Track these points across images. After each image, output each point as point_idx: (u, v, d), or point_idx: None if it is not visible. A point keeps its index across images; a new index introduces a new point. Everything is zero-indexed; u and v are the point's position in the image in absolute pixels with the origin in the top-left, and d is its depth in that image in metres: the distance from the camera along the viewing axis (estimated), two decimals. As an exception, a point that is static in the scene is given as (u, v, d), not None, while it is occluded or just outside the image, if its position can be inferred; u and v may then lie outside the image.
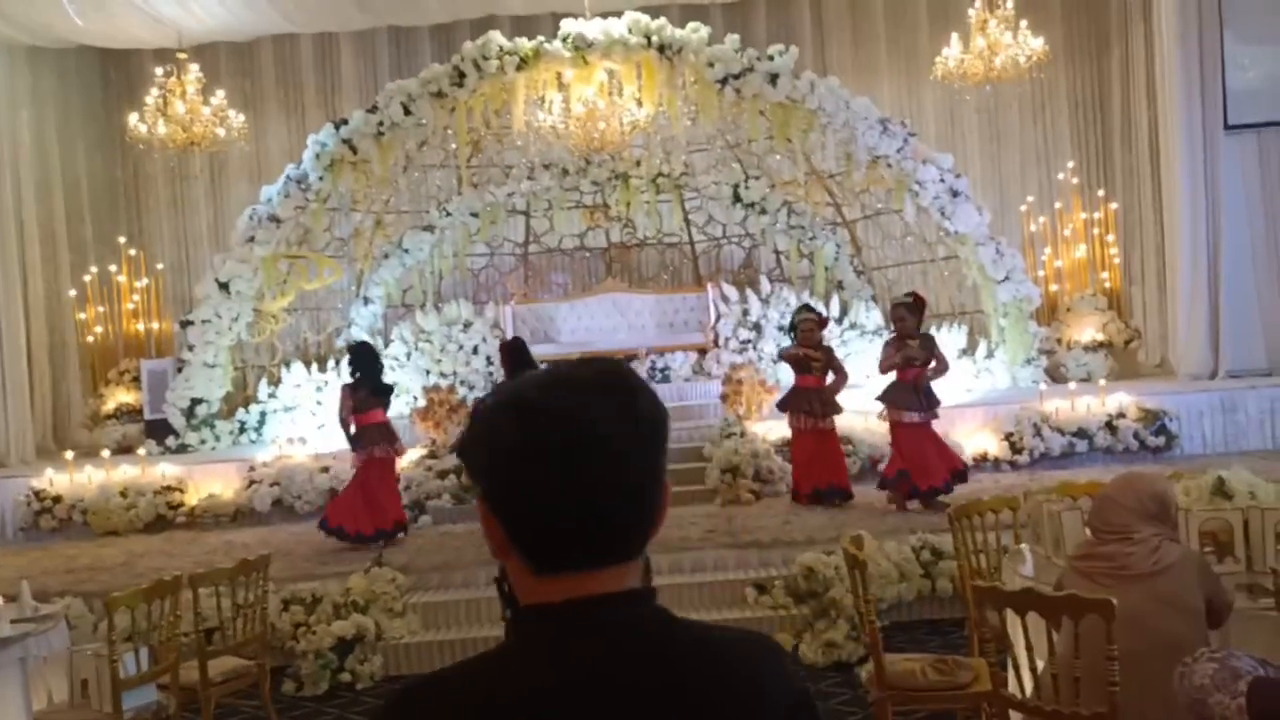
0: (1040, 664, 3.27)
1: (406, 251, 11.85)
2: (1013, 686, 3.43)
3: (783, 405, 7.84)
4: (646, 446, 1.12)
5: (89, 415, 11.40)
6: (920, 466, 7.18)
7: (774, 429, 8.84)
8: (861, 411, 8.82)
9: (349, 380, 7.51)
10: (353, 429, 7.36)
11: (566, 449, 1.07)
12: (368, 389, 7.43)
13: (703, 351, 10.85)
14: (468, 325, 11.09)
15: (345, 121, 10.46)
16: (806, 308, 8.09)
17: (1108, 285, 11.62)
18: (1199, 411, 9.04)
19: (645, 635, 1.11)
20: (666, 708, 1.08)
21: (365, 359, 7.58)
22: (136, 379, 11.15)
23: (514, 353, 7.55)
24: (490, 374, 10.92)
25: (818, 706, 1.22)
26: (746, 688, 1.13)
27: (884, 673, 3.81)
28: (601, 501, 1.09)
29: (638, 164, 11.76)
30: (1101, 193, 12.05)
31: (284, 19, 12.23)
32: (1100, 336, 10.97)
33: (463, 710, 1.08)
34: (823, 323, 7.86)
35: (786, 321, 10.59)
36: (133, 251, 12.27)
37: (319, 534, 7.45)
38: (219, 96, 11.05)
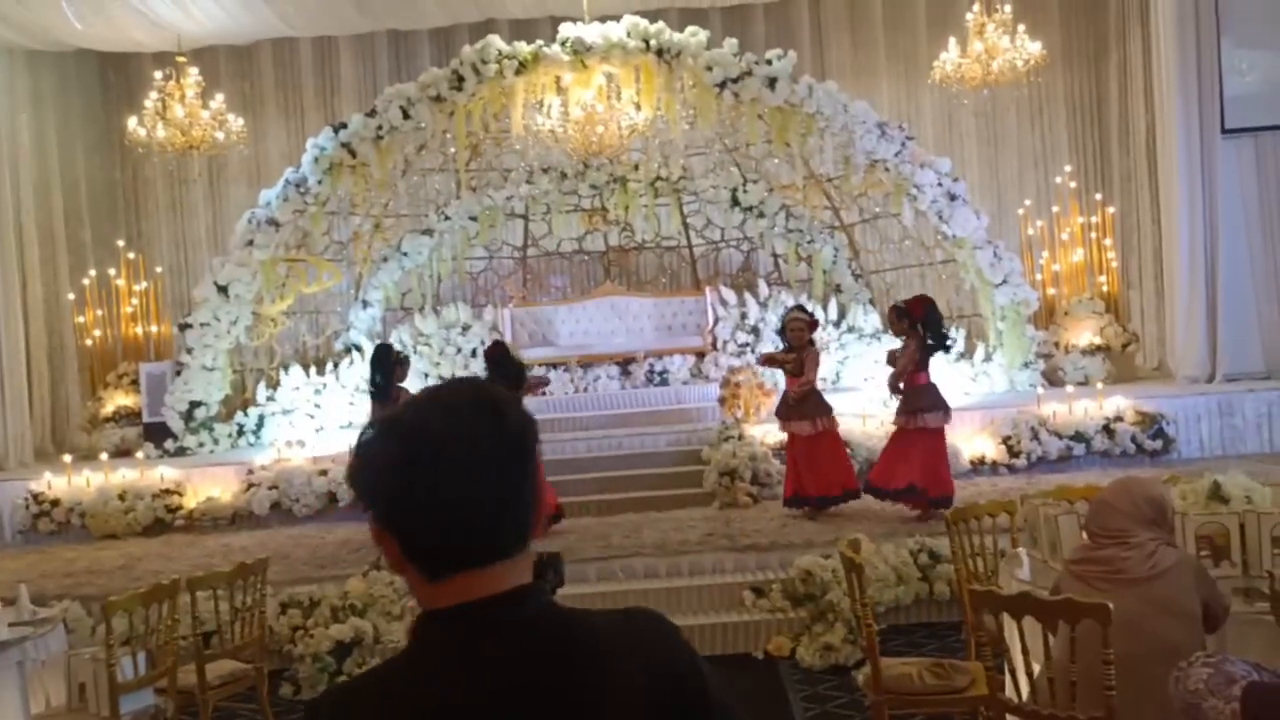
0: (1037, 668, 3.28)
1: (405, 255, 11.87)
2: (1010, 691, 3.44)
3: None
4: (513, 453, 1.22)
5: (87, 418, 11.40)
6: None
7: (772, 432, 8.84)
8: (860, 414, 8.85)
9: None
10: None
11: (439, 461, 1.19)
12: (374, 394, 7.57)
13: (701, 355, 10.86)
14: (466, 328, 11.11)
15: (344, 125, 10.47)
16: (798, 308, 7.98)
17: (1105, 289, 11.63)
18: (1196, 415, 9.05)
19: (542, 632, 1.21)
20: (570, 702, 1.17)
21: (370, 363, 7.70)
22: (135, 382, 11.15)
23: (494, 358, 7.62)
24: (488, 377, 10.94)
25: (710, 672, 1.28)
26: (648, 671, 1.21)
27: (880, 676, 3.82)
28: (475, 505, 1.19)
29: (636, 167, 11.78)
30: (1099, 196, 12.07)
31: (283, 22, 12.24)
32: (1098, 340, 10.98)
33: (374, 717, 1.17)
34: (812, 324, 7.68)
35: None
36: (131, 254, 12.27)
37: (317, 537, 7.45)
38: (218, 100, 11.07)
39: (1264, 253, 10.47)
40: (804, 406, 7.35)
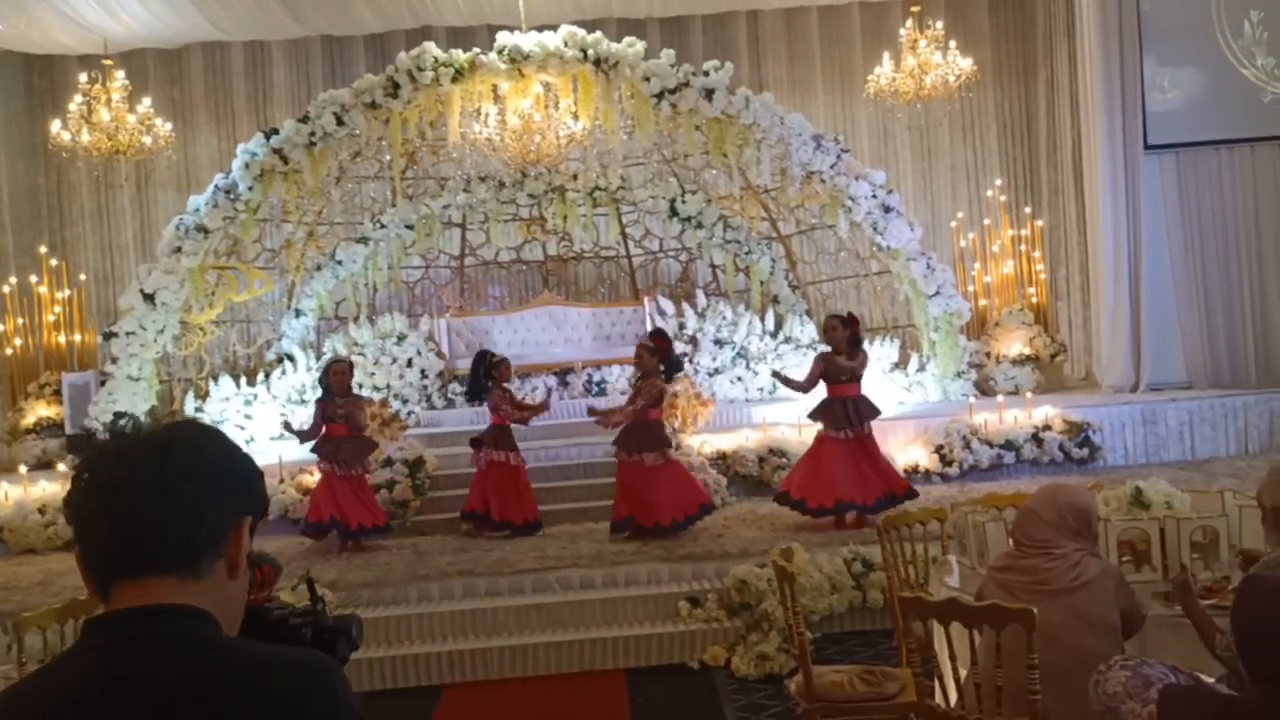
0: (964, 674, 3.30)
1: (339, 263, 11.70)
2: (938, 697, 3.47)
3: None
4: (173, 486, 1.29)
5: (7, 430, 11.05)
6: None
7: (710, 442, 8.88)
8: (796, 425, 8.91)
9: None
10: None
11: (99, 485, 1.30)
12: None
13: (639, 365, 10.85)
14: (402, 338, 10.97)
15: (276, 131, 10.29)
16: (657, 334, 7.89)
17: (1035, 300, 11.88)
18: (1121, 424, 9.26)
19: (152, 640, 1.24)
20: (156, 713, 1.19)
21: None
22: (57, 392, 10.84)
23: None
24: (424, 387, 10.82)
25: None
26: (234, 704, 1.20)
27: (812, 684, 3.83)
28: (120, 521, 1.28)
29: (574, 177, 11.76)
30: (1028, 210, 12.34)
31: (213, 26, 12.03)
32: (1027, 350, 11.21)
33: (14, 711, 1.25)
34: (658, 347, 7.35)
35: (724, 335, 10.70)
36: (54, 261, 11.94)
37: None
38: (145, 104, 10.83)
39: (1185, 266, 10.77)
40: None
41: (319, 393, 7.93)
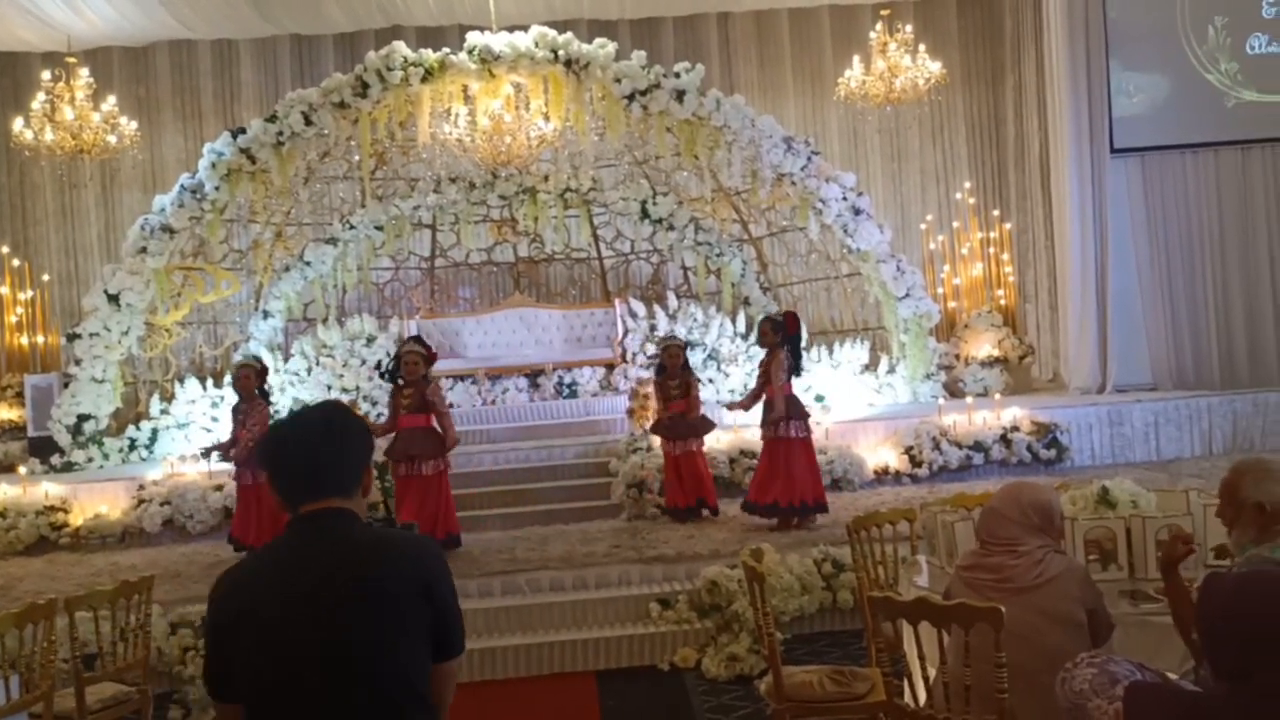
0: (933, 673, 3.30)
1: (308, 264, 11.60)
2: (908, 696, 3.47)
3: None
4: (332, 442, 2.12)
5: (-33, 433, 10.88)
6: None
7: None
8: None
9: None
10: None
11: (286, 441, 2.13)
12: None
13: (610, 366, 10.84)
14: (371, 340, 10.89)
15: (243, 130, 10.19)
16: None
17: (1003, 302, 11.97)
18: (1088, 425, 9.34)
19: (331, 529, 2.07)
20: (334, 565, 2.02)
21: None
22: (20, 394, 10.70)
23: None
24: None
25: (442, 595, 2.07)
26: (409, 569, 2.04)
27: (782, 685, 3.82)
28: (306, 466, 2.09)
29: (545, 178, 11.72)
30: (997, 212, 12.43)
31: (180, 24, 11.90)
32: (996, 352, 11.29)
33: (243, 569, 2.11)
34: (430, 356, 7.16)
35: (695, 336, 10.70)
36: (17, 262, 11.79)
37: (211, 554, 7.18)
38: (110, 102, 10.69)
39: (1150, 269, 10.89)
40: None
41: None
